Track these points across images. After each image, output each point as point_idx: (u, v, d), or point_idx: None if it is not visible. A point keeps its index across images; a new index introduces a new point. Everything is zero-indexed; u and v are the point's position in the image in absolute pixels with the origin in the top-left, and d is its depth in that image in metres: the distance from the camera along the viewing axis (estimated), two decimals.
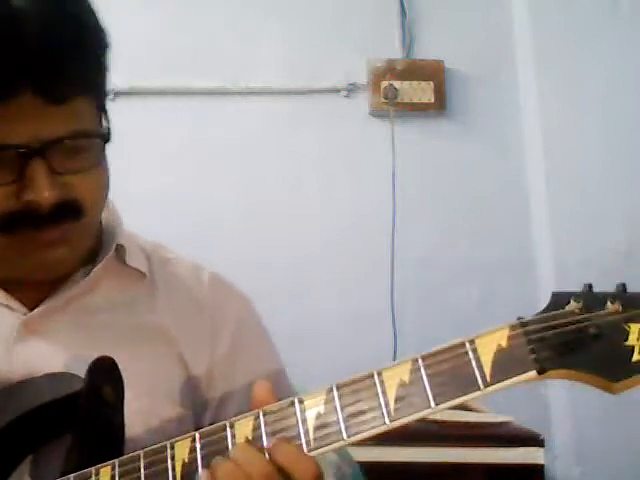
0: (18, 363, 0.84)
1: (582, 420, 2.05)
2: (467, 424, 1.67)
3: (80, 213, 0.84)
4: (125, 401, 0.78)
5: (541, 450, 1.68)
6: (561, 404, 2.10)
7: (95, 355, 0.78)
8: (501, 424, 1.74)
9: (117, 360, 0.78)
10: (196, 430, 0.74)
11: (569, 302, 0.69)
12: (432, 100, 2.29)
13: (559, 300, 0.70)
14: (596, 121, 2.17)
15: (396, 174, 2.25)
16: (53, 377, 0.81)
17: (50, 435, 0.79)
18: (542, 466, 1.68)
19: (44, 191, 0.79)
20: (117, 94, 2.11)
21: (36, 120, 0.78)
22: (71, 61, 0.79)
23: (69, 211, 0.82)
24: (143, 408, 0.86)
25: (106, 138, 0.86)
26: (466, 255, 2.25)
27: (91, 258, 0.92)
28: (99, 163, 0.86)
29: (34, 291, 0.89)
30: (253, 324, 1.02)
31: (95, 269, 0.90)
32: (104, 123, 0.87)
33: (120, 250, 0.93)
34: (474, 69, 2.34)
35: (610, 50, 2.18)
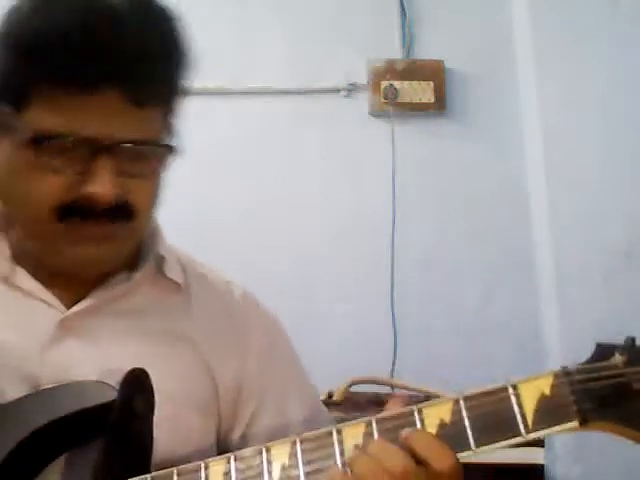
0: (50, 364, 0.85)
1: None
2: None
3: (131, 216, 0.86)
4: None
5: (541, 450, 1.68)
6: None
7: (126, 363, 0.79)
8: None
9: (147, 365, 0.79)
10: (220, 445, 0.74)
11: (613, 354, 0.69)
12: (432, 100, 2.29)
13: (603, 352, 0.70)
14: (596, 121, 2.17)
15: (396, 174, 2.25)
16: (87, 385, 0.82)
17: (79, 443, 0.80)
18: (542, 466, 1.68)
19: (107, 187, 0.81)
20: None
21: (115, 118, 0.81)
22: (161, 69, 0.84)
23: (122, 212, 0.85)
24: (168, 414, 0.87)
25: (172, 151, 0.89)
26: (466, 255, 2.25)
27: (130, 264, 0.93)
28: (159, 172, 0.89)
29: (71, 290, 0.90)
30: (283, 342, 1.04)
31: (136, 275, 0.91)
32: (170, 136, 0.90)
33: (160, 260, 0.95)
34: (474, 69, 2.34)
35: (610, 50, 2.18)
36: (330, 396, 1.84)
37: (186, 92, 0.92)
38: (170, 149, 0.89)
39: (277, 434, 0.92)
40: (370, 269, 2.23)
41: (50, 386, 0.82)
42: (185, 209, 2.16)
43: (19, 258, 0.90)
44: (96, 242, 0.85)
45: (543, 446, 1.68)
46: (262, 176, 2.25)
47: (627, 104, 2.15)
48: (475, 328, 2.19)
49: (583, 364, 0.69)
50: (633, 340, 0.70)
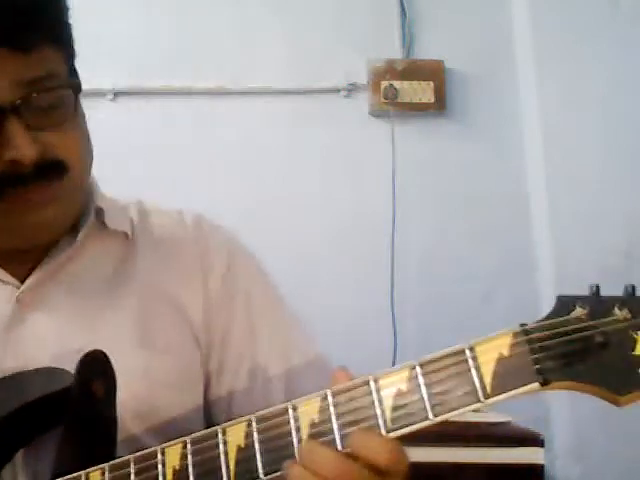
0: (12, 342, 0.85)
1: (582, 420, 2.05)
2: (467, 424, 1.67)
3: (64, 170, 0.83)
4: (117, 360, 0.77)
5: (541, 450, 1.68)
6: (561, 404, 2.10)
7: (84, 328, 0.79)
8: (501, 424, 1.74)
9: (106, 323, 0.79)
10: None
11: (574, 307, 0.65)
12: (432, 100, 2.29)
13: (564, 305, 0.65)
14: (596, 121, 2.17)
15: (396, 174, 2.25)
16: (43, 372, 0.81)
17: (41, 430, 0.79)
18: (542, 466, 1.68)
19: (24, 148, 0.78)
20: (117, 94, 2.11)
21: (6, 70, 0.77)
22: (39, 11, 0.79)
23: (53, 169, 0.82)
24: (138, 363, 0.87)
25: (77, 89, 0.84)
26: (466, 255, 2.25)
27: (73, 226, 0.91)
28: (75, 118, 0.84)
29: (21, 263, 0.88)
30: (243, 259, 1.02)
31: (79, 236, 0.89)
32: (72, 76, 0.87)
33: (99, 213, 0.93)
34: (474, 69, 2.34)
35: (610, 50, 2.18)
36: None
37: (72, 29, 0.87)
38: (75, 86, 0.84)
39: (245, 358, 0.93)
40: (370, 269, 2.23)
41: (5, 376, 0.81)
42: (185, 208, 2.16)
43: None
44: (41, 207, 0.82)
45: (543, 446, 1.68)
46: (262, 176, 2.25)
47: (627, 104, 2.15)
48: (475, 328, 2.17)
49: (542, 320, 0.65)
50: (597, 289, 0.66)
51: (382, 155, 2.26)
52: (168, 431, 0.82)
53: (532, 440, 1.68)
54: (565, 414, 2.10)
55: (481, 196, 2.28)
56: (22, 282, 0.88)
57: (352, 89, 2.31)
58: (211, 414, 0.95)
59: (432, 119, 2.31)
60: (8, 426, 0.77)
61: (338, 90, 2.31)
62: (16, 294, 0.87)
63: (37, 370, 0.81)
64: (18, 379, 0.81)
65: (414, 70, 2.30)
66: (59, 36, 0.84)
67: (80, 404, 0.76)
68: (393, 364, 2.41)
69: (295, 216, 2.24)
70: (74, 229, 0.90)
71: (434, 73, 2.30)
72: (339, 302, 2.20)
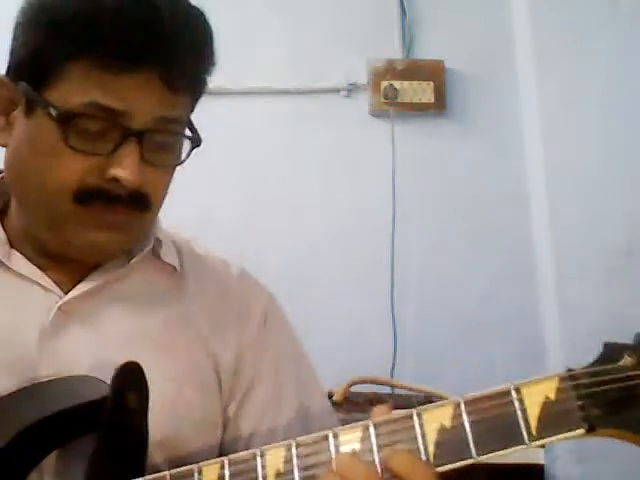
0: (49, 352, 0.84)
1: None
2: None
3: (147, 207, 0.86)
4: (151, 386, 0.78)
5: (541, 450, 1.68)
6: None
7: (126, 348, 0.80)
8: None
9: (144, 348, 0.80)
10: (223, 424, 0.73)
11: (622, 356, 0.64)
12: (432, 100, 2.29)
13: (611, 352, 0.65)
14: (596, 121, 2.17)
15: (396, 174, 2.25)
16: (77, 380, 0.81)
17: (69, 438, 0.79)
18: (542, 466, 1.68)
19: (134, 173, 0.81)
20: None
21: (150, 99, 0.81)
22: (197, 60, 0.86)
23: (139, 202, 0.85)
24: (168, 393, 0.87)
25: (197, 142, 0.90)
26: (466, 255, 2.25)
27: (127, 249, 0.93)
28: (176, 166, 0.90)
29: (66, 275, 0.89)
30: (279, 315, 1.05)
31: (133, 260, 0.91)
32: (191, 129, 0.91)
33: (157, 245, 0.95)
34: (474, 69, 2.34)
35: (610, 50, 2.18)
36: (330, 396, 1.84)
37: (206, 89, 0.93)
38: (195, 140, 0.89)
39: (269, 410, 0.94)
40: (370, 269, 2.23)
41: (42, 381, 0.82)
42: (185, 209, 2.16)
43: (15, 241, 0.89)
44: (110, 229, 0.84)
45: (543, 446, 1.68)
46: (262, 176, 2.25)
47: (627, 104, 2.15)
48: (475, 328, 2.18)
49: (589, 366, 0.65)
50: None
51: (382, 155, 2.26)
52: (185, 464, 0.82)
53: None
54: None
55: (481, 196, 2.28)
56: (65, 292, 0.88)
57: (352, 89, 2.31)
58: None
59: (432, 119, 2.31)
60: (38, 431, 0.77)
61: (338, 90, 2.31)
62: (59, 303, 0.87)
63: (72, 377, 0.81)
64: (52, 385, 0.81)
65: (414, 70, 2.30)
66: (200, 88, 0.91)
67: (115, 414, 0.76)
68: (393, 365, 2.43)
69: (295, 216, 2.24)
70: (128, 251, 0.92)
71: (434, 73, 2.30)
72: (339, 302, 2.20)
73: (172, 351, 0.91)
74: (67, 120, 0.80)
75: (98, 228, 0.84)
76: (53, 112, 0.80)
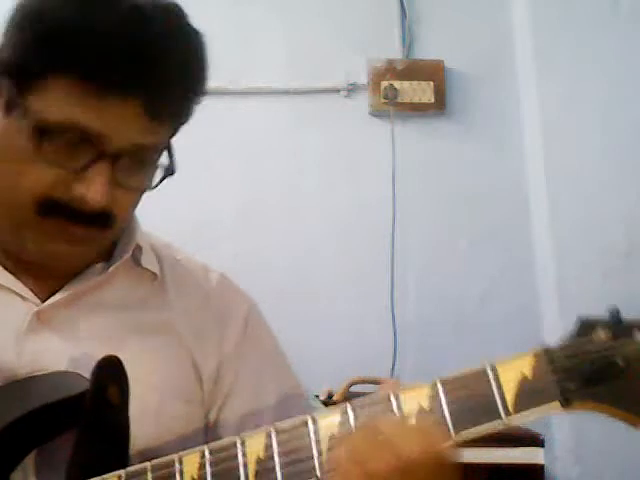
0: (26, 355, 0.84)
1: (582, 420, 2.05)
2: None
3: (110, 226, 0.85)
4: (133, 397, 0.78)
5: (541, 450, 1.68)
6: None
7: (103, 352, 0.78)
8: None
9: (125, 357, 0.78)
10: (205, 430, 0.72)
11: (596, 330, 0.66)
12: (432, 100, 2.29)
13: (585, 327, 0.67)
14: (596, 121, 2.17)
15: (396, 174, 2.25)
16: (59, 375, 0.81)
17: (53, 434, 0.79)
18: (542, 466, 1.68)
19: (101, 195, 0.80)
20: None
21: (129, 124, 0.80)
22: (183, 90, 0.84)
23: (101, 220, 0.83)
24: (151, 404, 0.86)
25: (171, 170, 0.87)
26: (466, 255, 2.25)
27: (107, 254, 0.92)
28: (147, 189, 0.87)
29: (46, 282, 0.88)
30: (260, 323, 1.03)
31: (111, 267, 0.90)
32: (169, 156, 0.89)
33: (136, 251, 0.94)
34: (474, 69, 2.34)
35: (610, 50, 2.18)
36: (330, 396, 1.84)
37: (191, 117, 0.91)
38: (168, 170, 0.87)
39: (248, 419, 0.93)
40: (370, 269, 2.23)
41: (20, 379, 0.81)
42: (185, 209, 2.16)
43: None
44: (69, 242, 0.84)
45: (543, 446, 1.68)
46: (262, 176, 2.25)
47: (627, 104, 2.16)
48: (475, 328, 2.18)
49: (564, 341, 0.66)
50: (618, 312, 0.67)
51: (382, 155, 2.26)
52: None
53: (532, 440, 1.69)
54: (565, 414, 2.10)
55: (481, 196, 2.28)
56: (43, 300, 0.87)
57: (352, 89, 2.31)
58: None
59: (432, 119, 2.31)
60: (20, 429, 0.77)
61: (338, 90, 2.31)
62: (35, 310, 0.86)
63: (51, 374, 0.81)
64: (32, 382, 0.80)
65: (414, 70, 2.30)
66: (186, 115, 0.89)
67: (95, 409, 0.76)
68: (393, 364, 2.43)
69: (295, 216, 2.24)
70: (106, 258, 0.92)
71: (434, 73, 2.30)
72: (339, 302, 2.20)
73: (154, 360, 0.89)
74: (43, 131, 0.79)
75: (56, 240, 0.83)
76: (31, 120, 0.79)
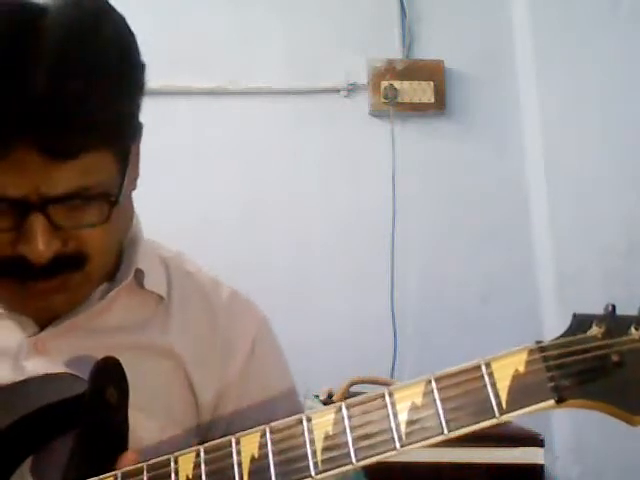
0: (25, 371, 0.83)
1: (582, 420, 2.05)
2: None
3: (83, 264, 0.80)
4: (134, 423, 0.77)
5: (541, 450, 1.68)
6: None
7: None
8: (501, 424, 1.74)
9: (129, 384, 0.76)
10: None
11: (591, 326, 0.64)
12: (432, 100, 2.29)
13: (580, 323, 0.65)
14: (596, 121, 2.17)
15: (396, 174, 2.25)
16: (56, 378, 0.80)
17: (52, 436, 0.78)
18: (542, 466, 1.68)
19: (39, 247, 0.74)
20: None
21: (37, 175, 0.72)
22: (82, 113, 0.72)
23: (70, 263, 0.79)
24: (153, 432, 0.85)
25: (115, 199, 0.77)
26: (466, 255, 2.26)
27: (110, 276, 0.89)
28: (108, 218, 0.78)
29: (47, 308, 0.86)
30: (268, 344, 1.00)
31: (111, 294, 0.87)
32: (126, 174, 0.80)
33: (139, 274, 0.90)
34: (474, 69, 2.34)
35: (610, 50, 2.18)
36: (330, 396, 1.84)
37: (134, 120, 0.80)
38: (114, 197, 0.77)
39: None
40: (370, 269, 2.23)
41: (18, 381, 0.80)
42: (185, 209, 2.16)
43: None
44: (45, 295, 0.80)
45: (543, 446, 1.68)
46: (262, 176, 2.25)
47: (627, 104, 2.16)
48: (475, 328, 2.19)
49: (558, 337, 0.65)
50: (613, 308, 0.66)
51: (382, 155, 2.26)
52: None
53: (532, 440, 1.69)
54: (565, 414, 2.10)
55: (481, 196, 2.28)
56: (43, 326, 0.86)
57: (352, 89, 2.31)
58: None
59: (432, 119, 2.32)
60: (19, 431, 0.76)
61: (338, 90, 2.31)
62: (32, 339, 0.85)
63: (49, 375, 0.80)
64: (30, 384, 0.80)
65: (414, 70, 2.30)
66: (113, 136, 0.76)
67: (94, 410, 0.75)
68: (393, 365, 2.43)
69: (295, 216, 2.24)
70: (109, 279, 0.88)
71: (434, 73, 2.30)
72: (339, 302, 2.20)
73: (152, 387, 0.87)
74: None
75: (30, 297, 0.80)
76: None
